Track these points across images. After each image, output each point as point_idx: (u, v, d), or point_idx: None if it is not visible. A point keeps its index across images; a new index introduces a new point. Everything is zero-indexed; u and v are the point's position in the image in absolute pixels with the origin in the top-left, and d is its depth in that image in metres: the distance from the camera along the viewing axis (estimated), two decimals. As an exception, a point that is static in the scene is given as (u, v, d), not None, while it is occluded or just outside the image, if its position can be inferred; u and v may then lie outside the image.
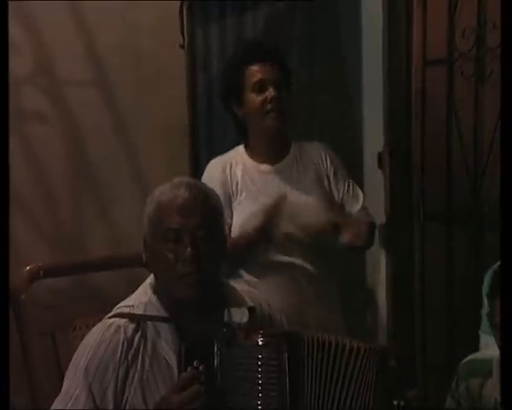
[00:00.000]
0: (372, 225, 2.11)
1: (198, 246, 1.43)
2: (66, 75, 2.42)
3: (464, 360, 1.73)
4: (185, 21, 2.53)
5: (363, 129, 2.84)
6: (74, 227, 2.47)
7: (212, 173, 2.05)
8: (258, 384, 1.34)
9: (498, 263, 1.76)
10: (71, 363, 1.47)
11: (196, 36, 2.57)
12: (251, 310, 1.51)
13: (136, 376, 1.42)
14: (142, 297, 1.50)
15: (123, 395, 1.42)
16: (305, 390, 1.36)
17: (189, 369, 1.33)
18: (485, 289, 1.77)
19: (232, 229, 2.00)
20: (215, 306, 1.50)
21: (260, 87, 1.99)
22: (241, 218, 2.00)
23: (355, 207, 2.08)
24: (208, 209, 1.47)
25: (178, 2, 2.51)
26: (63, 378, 1.48)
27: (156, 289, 1.50)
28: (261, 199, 2.00)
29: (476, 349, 1.76)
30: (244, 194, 2.02)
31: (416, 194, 2.49)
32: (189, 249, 1.42)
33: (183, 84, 2.54)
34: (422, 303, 2.54)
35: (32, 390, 2.02)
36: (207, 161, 2.15)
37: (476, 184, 2.37)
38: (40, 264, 2.09)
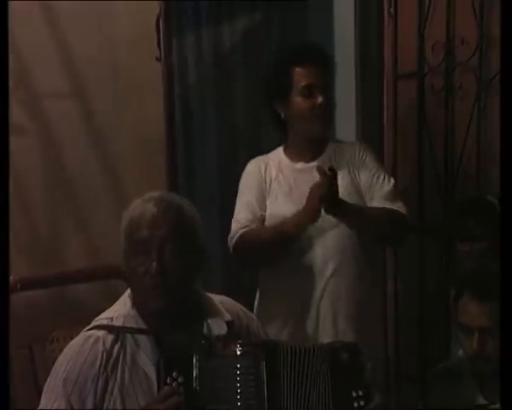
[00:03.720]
0: (395, 214, 1.99)
1: (164, 259, 1.44)
2: (43, 88, 2.41)
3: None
4: (162, 34, 2.55)
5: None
6: (51, 239, 2.45)
7: (249, 174, 2.08)
8: (237, 393, 1.36)
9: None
10: (50, 375, 1.47)
11: (173, 48, 2.59)
12: (230, 325, 1.52)
13: (116, 387, 1.43)
14: (121, 309, 1.51)
15: (102, 405, 1.43)
16: (283, 397, 1.38)
17: (168, 380, 1.35)
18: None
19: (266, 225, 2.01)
20: (192, 317, 1.51)
21: (309, 92, 1.96)
22: (274, 215, 2.00)
23: (382, 193, 2.00)
24: (179, 222, 1.48)
25: (155, 16, 2.53)
26: (41, 391, 1.48)
27: (135, 301, 1.51)
28: (293, 196, 1.99)
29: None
30: (277, 192, 2.03)
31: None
32: (154, 263, 1.43)
33: (160, 96, 2.55)
34: (396, 313, 2.58)
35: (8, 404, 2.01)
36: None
37: (447, 194, 2.43)
38: (17, 277, 2.09)
